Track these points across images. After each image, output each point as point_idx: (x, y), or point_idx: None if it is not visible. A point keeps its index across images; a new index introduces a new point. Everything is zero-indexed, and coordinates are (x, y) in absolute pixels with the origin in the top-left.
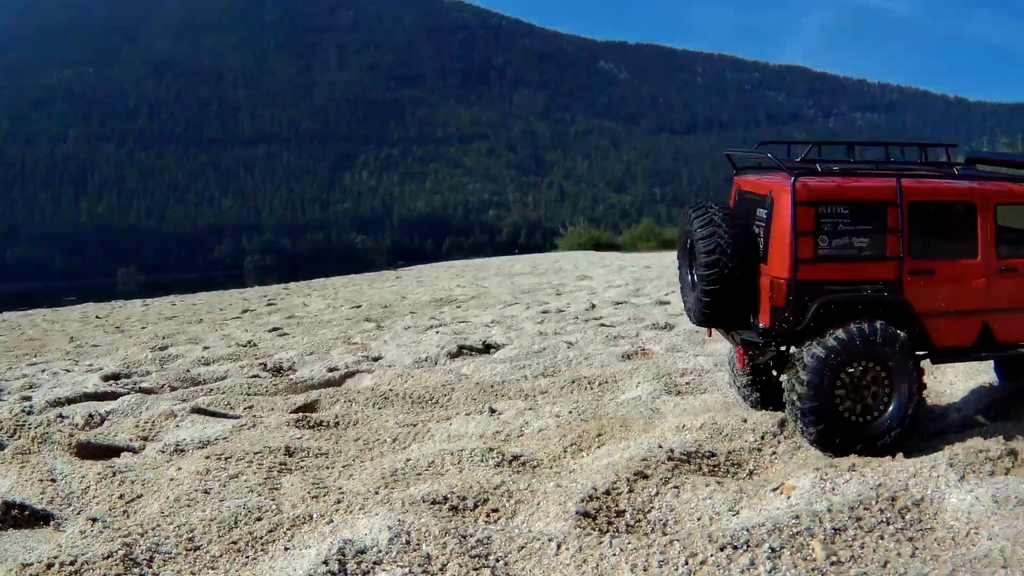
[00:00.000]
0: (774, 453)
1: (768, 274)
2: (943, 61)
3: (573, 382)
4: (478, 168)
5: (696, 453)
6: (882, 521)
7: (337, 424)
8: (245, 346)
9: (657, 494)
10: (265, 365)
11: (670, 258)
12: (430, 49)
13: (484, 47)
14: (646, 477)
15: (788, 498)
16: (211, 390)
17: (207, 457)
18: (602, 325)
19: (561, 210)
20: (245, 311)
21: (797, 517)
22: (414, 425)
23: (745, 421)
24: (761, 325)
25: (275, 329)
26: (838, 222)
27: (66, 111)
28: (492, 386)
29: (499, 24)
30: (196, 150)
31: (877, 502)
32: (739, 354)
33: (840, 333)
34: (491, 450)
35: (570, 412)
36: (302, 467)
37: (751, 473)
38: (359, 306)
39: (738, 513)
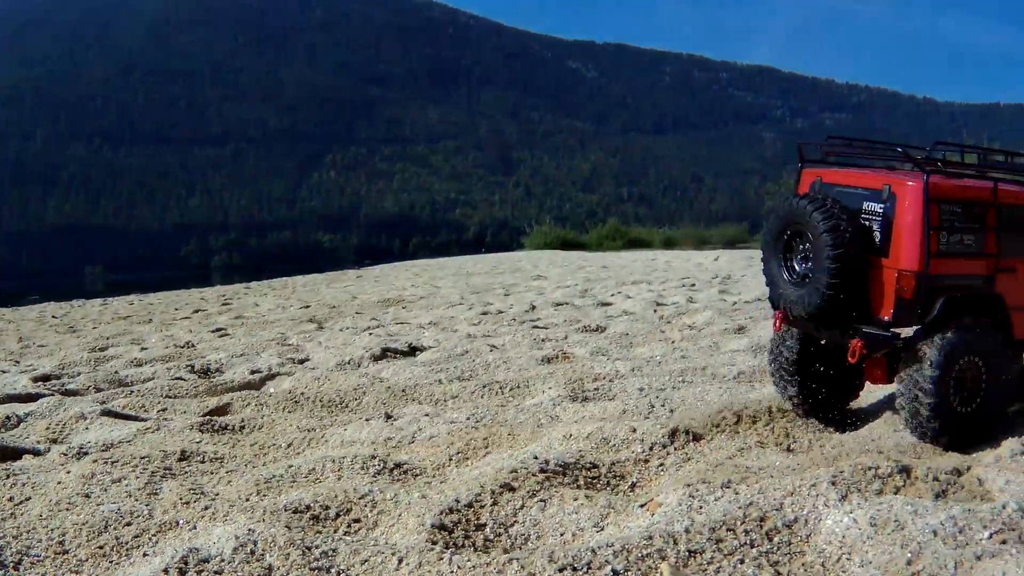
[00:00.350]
0: (661, 465)
1: (894, 267)
2: (912, 62)
3: (485, 387)
4: (445, 167)
5: (575, 465)
6: (745, 543)
7: (241, 428)
8: (183, 347)
9: (522, 507)
10: (193, 367)
11: (631, 257)
12: (399, 48)
13: (452, 46)
14: (513, 490)
15: (652, 515)
16: (132, 392)
17: (95, 461)
18: (535, 327)
19: (528, 209)
20: (197, 311)
21: (650, 537)
22: (313, 430)
23: (634, 431)
24: (884, 319)
25: (219, 330)
26: (954, 220)
27: (34, 109)
28: (404, 390)
29: (467, 23)
30: (164, 149)
31: (743, 523)
32: (856, 346)
33: (963, 326)
34: (374, 457)
35: (467, 418)
36: (187, 472)
37: (633, 486)
38: (308, 306)
39: (603, 530)
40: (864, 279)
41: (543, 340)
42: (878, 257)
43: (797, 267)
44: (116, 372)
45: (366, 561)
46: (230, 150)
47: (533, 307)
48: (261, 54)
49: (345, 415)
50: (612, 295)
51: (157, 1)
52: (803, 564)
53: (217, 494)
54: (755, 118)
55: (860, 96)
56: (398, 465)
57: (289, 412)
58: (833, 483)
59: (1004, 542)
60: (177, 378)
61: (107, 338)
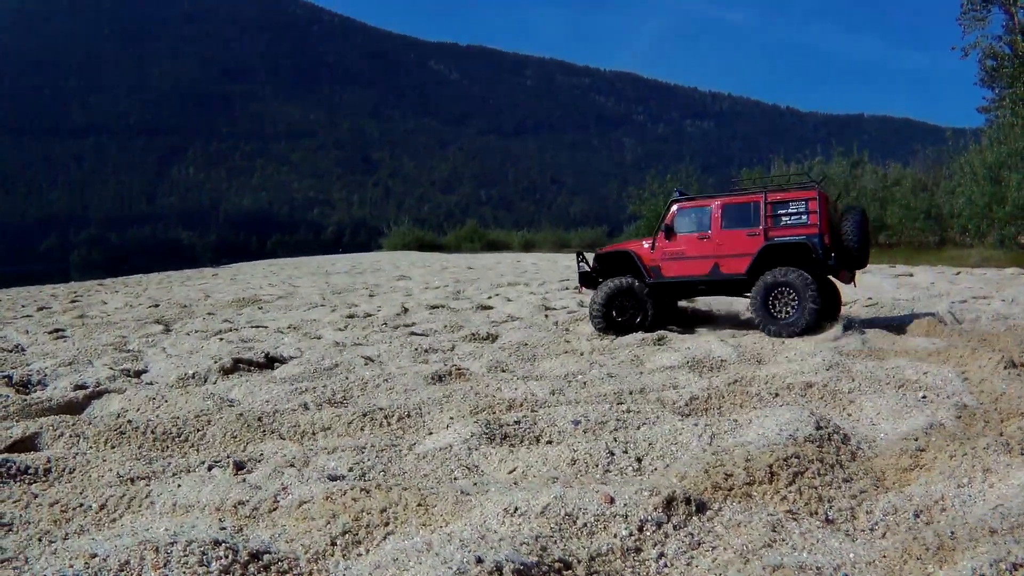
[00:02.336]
0: (662, 558)
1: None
2: (776, 71)
3: (365, 415)
4: (305, 166)
5: (538, 566)
6: None
7: (47, 472)
8: (10, 351)
9: None
10: (10, 379)
11: (494, 259)
12: (262, 44)
13: (316, 44)
14: None
15: None
16: None
17: None
18: (413, 334)
19: (387, 209)
20: (41, 308)
21: None
22: (137, 480)
23: (612, 502)
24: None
25: (57, 331)
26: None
27: None
28: (259, 418)
29: (331, 21)
30: (26, 139)
31: None
32: None
33: None
34: (219, 543)
35: (350, 470)
36: None
37: None
38: (157, 305)
39: None
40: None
41: (426, 350)
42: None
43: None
44: None
45: None
46: (91, 143)
47: (405, 309)
48: (125, 45)
49: (180, 456)
50: (489, 298)
51: None
52: None
53: None
54: (616, 123)
55: (723, 104)
56: (255, 556)
57: (111, 448)
58: None
59: None
60: None
61: None
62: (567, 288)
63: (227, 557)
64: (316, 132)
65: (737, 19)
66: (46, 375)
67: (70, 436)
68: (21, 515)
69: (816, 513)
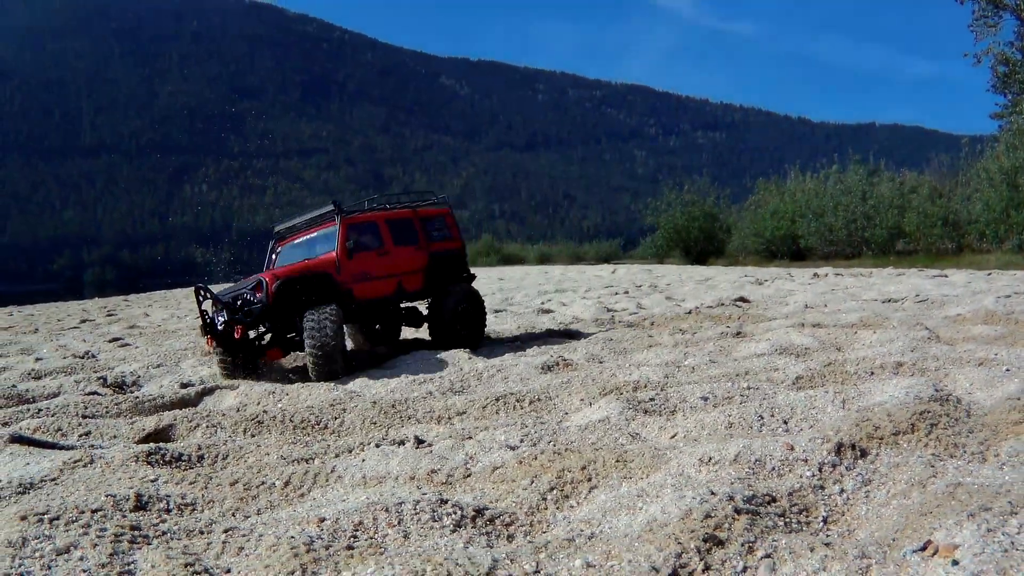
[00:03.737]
0: (843, 492)
1: None
2: (787, 82)
3: (497, 399)
4: (317, 182)
5: (755, 499)
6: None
7: (201, 459)
8: (82, 357)
9: (745, 570)
10: (105, 380)
11: (521, 271)
12: (272, 61)
13: (326, 61)
14: (721, 544)
15: (954, 563)
16: (40, 411)
17: (23, 517)
18: (492, 333)
19: None
20: (84, 321)
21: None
22: (308, 460)
23: (792, 449)
24: None
25: (116, 339)
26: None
27: None
28: (393, 406)
29: (342, 38)
30: (37, 160)
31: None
32: None
33: None
34: (444, 501)
35: (521, 441)
36: (163, 533)
37: (825, 521)
38: None
39: None
40: None
41: (518, 347)
42: None
43: None
44: (13, 387)
45: None
46: (103, 162)
47: None
48: (135, 65)
49: (338, 439)
50: (543, 303)
51: (31, 9)
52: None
53: (229, 571)
54: (628, 136)
55: (734, 115)
56: (478, 512)
57: (252, 435)
58: None
59: None
60: (91, 393)
61: None
62: (615, 293)
63: (455, 513)
64: (328, 149)
65: (747, 30)
66: (139, 376)
67: (206, 427)
68: (202, 495)
69: (954, 456)
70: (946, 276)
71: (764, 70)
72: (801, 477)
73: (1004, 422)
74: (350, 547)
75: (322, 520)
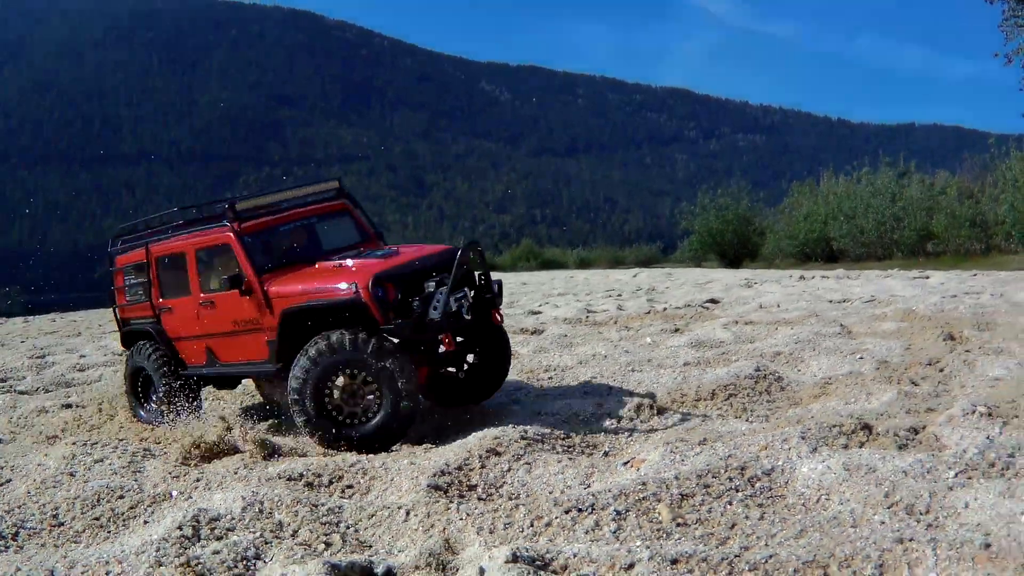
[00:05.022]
0: (631, 433)
1: None
2: (826, 83)
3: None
4: (358, 189)
5: (545, 434)
6: (731, 488)
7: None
8: (120, 355)
9: (509, 470)
10: None
11: (547, 276)
12: (311, 68)
13: (365, 67)
14: (498, 454)
15: (638, 470)
16: (83, 391)
17: (73, 443)
18: None
19: (441, 231)
20: None
21: (644, 484)
22: None
23: (601, 405)
24: None
25: None
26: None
27: None
28: None
29: (381, 44)
30: (78, 168)
31: (726, 471)
32: None
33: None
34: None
35: None
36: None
37: (606, 454)
38: None
39: (589, 486)
40: None
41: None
42: None
43: None
44: (62, 375)
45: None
46: (143, 170)
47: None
48: (174, 73)
49: None
50: (539, 305)
51: (70, 19)
52: (786, 505)
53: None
54: (668, 140)
55: (774, 117)
56: None
57: None
58: (803, 438)
59: (970, 478)
60: None
61: (41, 349)
62: (611, 296)
63: None
64: (368, 156)
65: (786, 31)
66: None
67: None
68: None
69: (739, 416)
70: (927, 277)
71: (803, 71)
72: (604, 424)
73: (807, 395)
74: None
75: None
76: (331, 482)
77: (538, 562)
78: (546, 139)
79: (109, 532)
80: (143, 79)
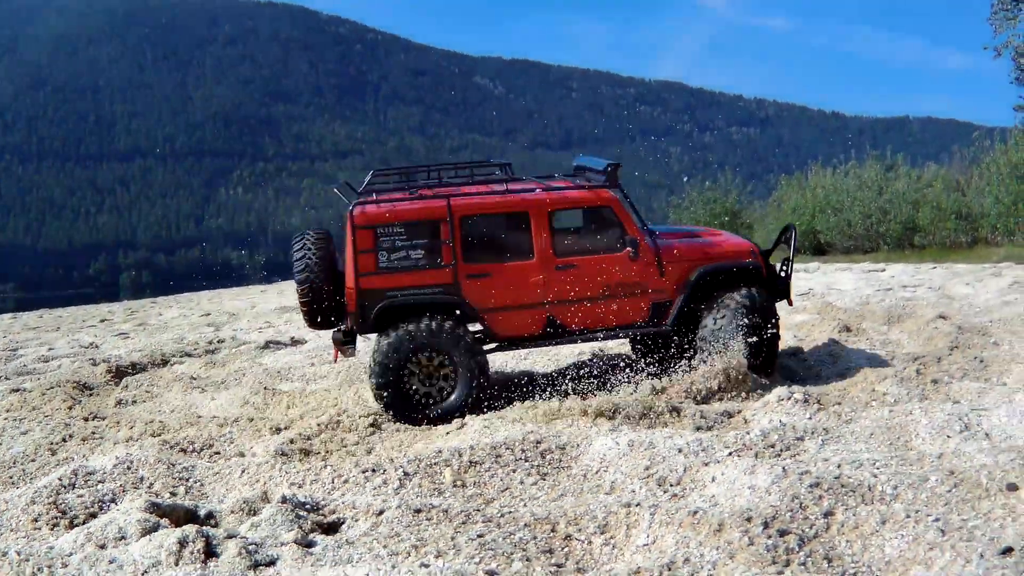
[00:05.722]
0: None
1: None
2: (819, 76)
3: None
4: (353, 183)
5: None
6: (521, 459)
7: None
8: (87, 347)
9: (352, 441)
10: (94, 360)
11: None
12: (305, 64)
13: (360, 62)
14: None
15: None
16: (38, 379)
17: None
18: None
19: None
20: (103, 320)
21: (439, 452)
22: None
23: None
24: None
25: (121, 334)
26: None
27: None
28: (279, 372)
29: (375, 39)
30: (73, 165)
31: (522, 444)
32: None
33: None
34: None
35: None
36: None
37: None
38: (208, 314)
39: (405, 453)
40: None
41: None
42: None
43: None
44: (25, 366)
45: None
46: (137, 166)
47: None
48: (169, 69)
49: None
50: None
51: (65, 15)
52: (568, 475)
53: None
54: (662, 133)
55: (768, 110)
56: None
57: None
58: (609, 418)
59: (739, 455)
60: (79, 367)
61: (16, 343)
62: None
63: None
64: (363, 150)
65: (780, 25)
66: (121, 357)
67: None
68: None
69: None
70: (883, 271)
71: (797, 65)
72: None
73: (647, 383)
74: None
75: None
76: (201, 448)
77: (308, 505)
78: (540, 133)
79: (16, 486)
80: (137, 75)
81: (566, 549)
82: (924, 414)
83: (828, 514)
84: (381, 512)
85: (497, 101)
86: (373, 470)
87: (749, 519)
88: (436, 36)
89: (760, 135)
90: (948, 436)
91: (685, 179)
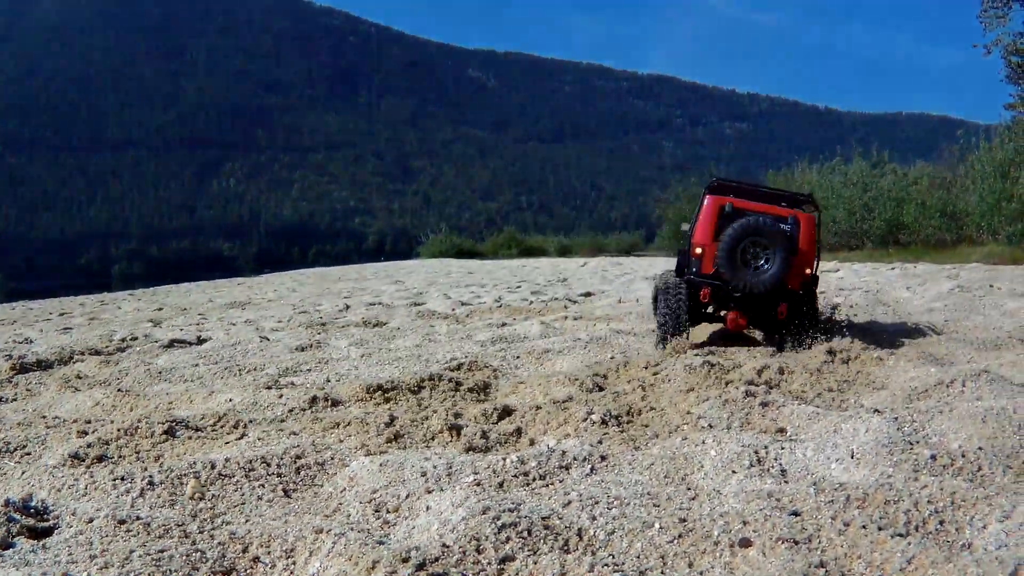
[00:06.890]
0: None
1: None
2: (814, 72)
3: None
4: (344, 175)
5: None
6: (272, 474)
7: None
8: (21, 342)
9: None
10: (10, 356)
11: (495, 265)
12: (298, 55)
13: (353, 54)
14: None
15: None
16: None
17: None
18: (322, 324)
19: (427, 217)
20: (62, 314)
21: (194, 464)
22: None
23: (280, 396)
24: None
25: (66, 328)
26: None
27: None
28: (160, 372)
29: (368, 31)
30: (65, 155)
31: (280, 459)
32: (783, 307)
33: None
34: None
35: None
36: None
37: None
38: (161, 309)
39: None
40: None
41: (312, 330)
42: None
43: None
44: None
45: None
46: (130, 156)
47: (347, 307)
48: (162, 59)
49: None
50: (433, 297)
51: (58, 5)
52: (315, 492)
53: None
54: (655, 127)
55: (761, 106)
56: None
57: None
58: (379, 435)
59: (472, 483)
60: None
61: None
62: (517, 287)
63: None
64: (355, 142)
65: (774, 20)
66: (39, 355)
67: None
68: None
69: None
70: (836, 271)
71: (791, 60)
72: (276, 412)
73: (503, 392)
74: None
75: None
76: (15, 449)
77: (32, 509)
78: (533, 126)
79: None
80: (129, 66)
81: (249, 571)
82: (716, 444)
83: (505, 560)
84: (91, 520)
85: (489, 94)
86: (122, 478)
87: (406, 559)
88: (429, 28)
89: (753, 130)
90: (733, 471)
91: (675, 176)
